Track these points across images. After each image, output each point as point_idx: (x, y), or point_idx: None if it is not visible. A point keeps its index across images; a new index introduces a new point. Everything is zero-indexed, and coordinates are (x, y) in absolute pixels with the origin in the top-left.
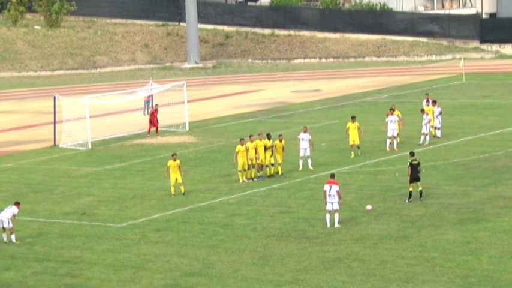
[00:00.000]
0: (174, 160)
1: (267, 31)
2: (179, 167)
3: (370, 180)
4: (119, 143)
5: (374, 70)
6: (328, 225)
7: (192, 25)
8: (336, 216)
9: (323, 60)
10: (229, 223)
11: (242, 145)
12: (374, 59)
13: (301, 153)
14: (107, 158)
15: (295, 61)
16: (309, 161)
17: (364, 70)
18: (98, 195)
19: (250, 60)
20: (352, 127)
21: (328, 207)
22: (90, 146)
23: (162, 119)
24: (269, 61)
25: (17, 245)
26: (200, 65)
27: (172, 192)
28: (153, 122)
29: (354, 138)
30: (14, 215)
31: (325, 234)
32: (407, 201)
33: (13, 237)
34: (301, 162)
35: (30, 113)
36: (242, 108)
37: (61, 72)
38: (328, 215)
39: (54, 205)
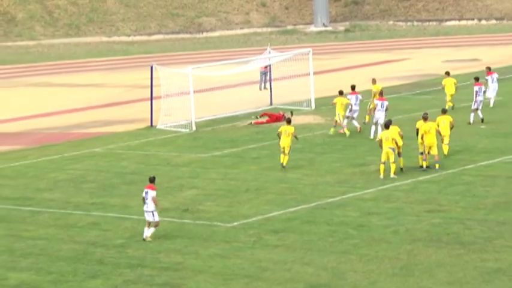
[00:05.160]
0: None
1: None
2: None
3: None
4: (230, 123)
5: None
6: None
7: None
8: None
9: (483, 22)
10: (364, 224)
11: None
12: None
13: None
14: (215, 143)
15: (448, 23)
16: None
17: None
18: (204, 188)
19: (391, 22)
20: None
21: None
22: (194, 128)
23: (282, 94)
24: (415, 23)
25: (106, 248)
26: (329, 29)
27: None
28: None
29: None
30: (154, 199)
31: (485, 239)
32: None
33: (151, 231)
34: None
35: (122, 87)
36: (382, 82)
37: (159, 36)
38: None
39: None
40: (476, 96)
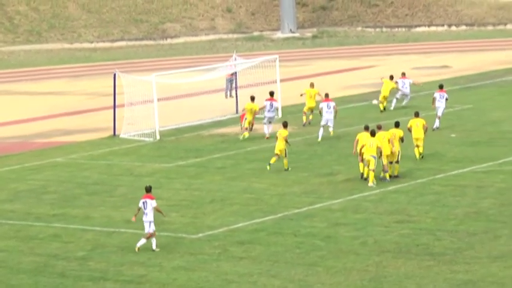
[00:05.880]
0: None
1: None
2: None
3: None
4: (195, 132)
5: None
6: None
7: None
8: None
9: (453, 28)
10: (332, 235)
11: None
12: None
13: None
14: (179, 152)
15: (418, 29)
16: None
17: (506, 41)
18: (168, 199)
19: (360, 29)
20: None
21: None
22: (158, 137)
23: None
24: (384, 29)
25: (67, 260)
26: (297, 35)
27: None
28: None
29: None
30: (158, 209)
31: (455, 250)
32: None
33: (153, 243)
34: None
35: (84, 95)
36: (350, 89)
37: (123, 43)
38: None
39: (113, 210)
40: (434, 103)
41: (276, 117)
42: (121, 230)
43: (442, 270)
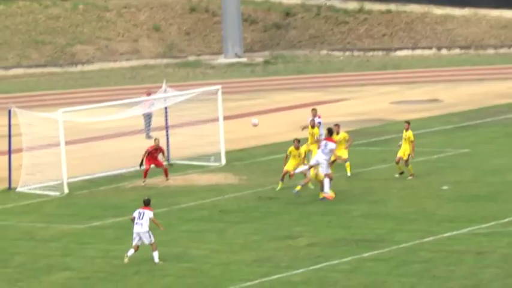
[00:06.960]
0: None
1: (352, 5)
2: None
3: None
4: (113, 185)
5: None
6: None
7: None
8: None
9: (443, 51)
10: None
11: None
12: None
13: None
14: (94, 210)
15: (399, 53)
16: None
17: (510, 68)
18: (80, 270)
19: (325, 52)
20: None
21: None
22: (66, 190)
23: (184, 145)
24: (355, 53)
25: None
26: (244, 60)
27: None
28: (154, 162)
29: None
30: (153, 220)
31: None
32: None
33: (155, 255)
34: None
35: None
36: None
37: (19, 71)
38: None
39: (8, 285)
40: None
41: (218, 164)
42: None
43: None
